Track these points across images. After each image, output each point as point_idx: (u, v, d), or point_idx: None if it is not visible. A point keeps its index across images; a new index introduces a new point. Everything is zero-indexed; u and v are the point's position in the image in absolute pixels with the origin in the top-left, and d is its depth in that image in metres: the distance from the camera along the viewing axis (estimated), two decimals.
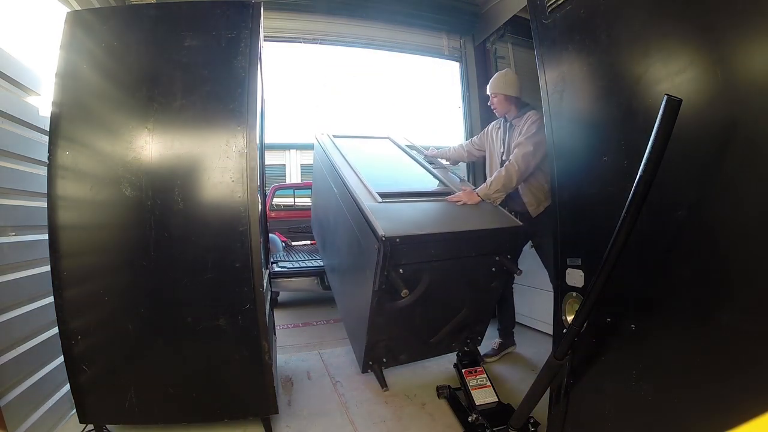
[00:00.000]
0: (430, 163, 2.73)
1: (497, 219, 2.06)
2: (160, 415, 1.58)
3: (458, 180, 2.56)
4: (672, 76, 0.98)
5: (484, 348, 2.46)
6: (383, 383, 2.09)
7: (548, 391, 1.30)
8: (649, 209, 0.96)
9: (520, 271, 2.01)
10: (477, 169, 3.63)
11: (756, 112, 0.83)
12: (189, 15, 1.59)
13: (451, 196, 2.19)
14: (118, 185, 1.46)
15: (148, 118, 1.49)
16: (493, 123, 2.52)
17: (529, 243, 2.34)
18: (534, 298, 2.89)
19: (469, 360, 2.01)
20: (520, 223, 2.05)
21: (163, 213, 1.48)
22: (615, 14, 1.13)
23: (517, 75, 2.42)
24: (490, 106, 2.43)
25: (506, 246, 2.04)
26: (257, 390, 1.59)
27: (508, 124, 2.37)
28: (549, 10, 1.32)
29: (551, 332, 1.58)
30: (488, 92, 2.40)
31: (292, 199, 5.96)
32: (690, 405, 0.97)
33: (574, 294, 1.29)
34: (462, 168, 3.72)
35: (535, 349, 2.57)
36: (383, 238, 1.69)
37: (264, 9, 1.69)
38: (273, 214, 5.45)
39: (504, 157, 2.33)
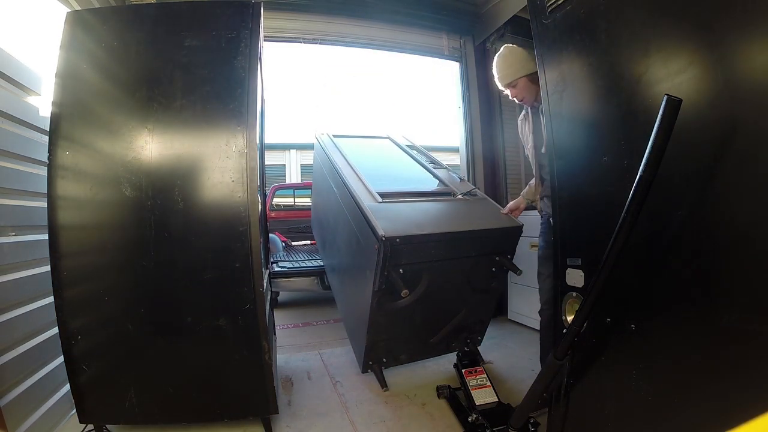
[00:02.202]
0: (433, 164, 2.73)
1: (497, 219, 2.06)
2: (160, 415, 1.58)
3: (458, 180, 2.56)
4: (672, 76, 0.98)
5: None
6: (383, 383, 2.09)
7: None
8: (649, 209, 0.96)
9: (521, 271, 2.02)
10: (476, 169, 3.63)
11: (756, 112, 0.83)
12: (189, 15, 1.59)
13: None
14: (118, 185, 1.46)
15: (148, 118, 1.49)
16: (520, 118, 2.05)
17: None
18: (533, 298, 2.88)
19: (469, 360, 2.01)
20: (521, 223, 2.05)
21: (163, 213, 1.48)
22: (615, 14, 1.13)
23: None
24: (514, 100, 1.93)
25: (506, 246, 2.04)
26: (257, 390, 1.59)
27: (534, 108, 1.90)
28: (549, 10, 1.32)
29: None
30: (505, 84, 1.90)
31: (292, 199, 5.97)
32: (690, 405, 0.97)
33: (574, 294, 1.29)
34: (462, 168, 3.72)
35: (535, 349, 2.56)
36: (383, 238, 1.69)
37: (264, 9, 1.69)
38: (273, 214, 5.46)
39: (544, 151, 1.76)
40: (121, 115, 1.50)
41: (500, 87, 1.95)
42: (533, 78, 1.80)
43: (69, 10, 1.59)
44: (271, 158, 11.64)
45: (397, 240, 1.72)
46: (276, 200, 5.85)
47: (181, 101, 1.51)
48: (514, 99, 1.92)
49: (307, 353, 2.66)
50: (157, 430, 1.66)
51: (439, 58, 3.71)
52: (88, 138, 1.48)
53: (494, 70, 1.95)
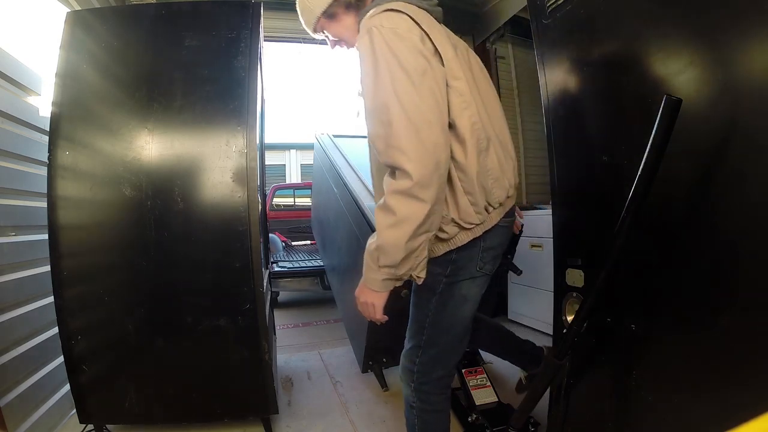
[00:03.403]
0: None
1: None
2: (159, 415, 1.58)
3: None
4: (672, 76, 0.98)
5: None
6: (383, 383, 2.09)
7: (548, 391, 1.30)
8: (649, 209, 0.96)
9: (521, 272, 2.01)
10: None
11: (756, 112, 0.83)
12: (189, 15, 1.59)
13: None
14: (118, 185, 1.46)
15: (148, 118, 1.49)
16: None
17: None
18: (533, 298, 2.89)
19: (469, 360, 2.00)
20: (521, 223, 2.04)
21: (163, 213, 1.48)
22: (615, 14, 1.13)
23: None
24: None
25: (506, 246, 2.03)
26: (257, 390, 1.59)
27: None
28: (549, 10, 1.32)
29: (551, 332, 1.58)
30: (312, 31, 1.24)
31: (292, 199, 5.97)
32: (690, 405, 0.97)
33: (574, 294, 1.29)
34: None
35: None
36: None
37: (264, 9, 1.69)
38: (273, 214, 5.46)
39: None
40: (121, 115, 1.50)
41: (315, 36, 1.30)
42: (328, 13, 1.15)
43: (69, 10, 1.59)
44: (271, 158, 11.64)
45: None
46: (276, 200, 5.85)
47: (181, 101, 1.51)
48: (337, 47, 1.28)
49: (307, 353, 2.66)
50: (157, 430, 1.67)
51: None
52: (88, 138, 1.48)
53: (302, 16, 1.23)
